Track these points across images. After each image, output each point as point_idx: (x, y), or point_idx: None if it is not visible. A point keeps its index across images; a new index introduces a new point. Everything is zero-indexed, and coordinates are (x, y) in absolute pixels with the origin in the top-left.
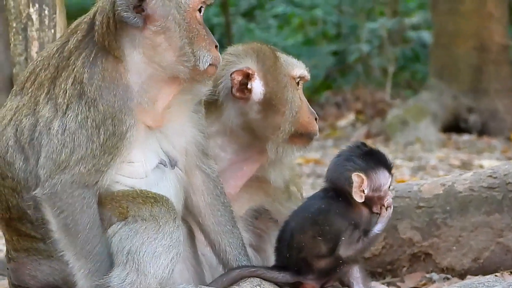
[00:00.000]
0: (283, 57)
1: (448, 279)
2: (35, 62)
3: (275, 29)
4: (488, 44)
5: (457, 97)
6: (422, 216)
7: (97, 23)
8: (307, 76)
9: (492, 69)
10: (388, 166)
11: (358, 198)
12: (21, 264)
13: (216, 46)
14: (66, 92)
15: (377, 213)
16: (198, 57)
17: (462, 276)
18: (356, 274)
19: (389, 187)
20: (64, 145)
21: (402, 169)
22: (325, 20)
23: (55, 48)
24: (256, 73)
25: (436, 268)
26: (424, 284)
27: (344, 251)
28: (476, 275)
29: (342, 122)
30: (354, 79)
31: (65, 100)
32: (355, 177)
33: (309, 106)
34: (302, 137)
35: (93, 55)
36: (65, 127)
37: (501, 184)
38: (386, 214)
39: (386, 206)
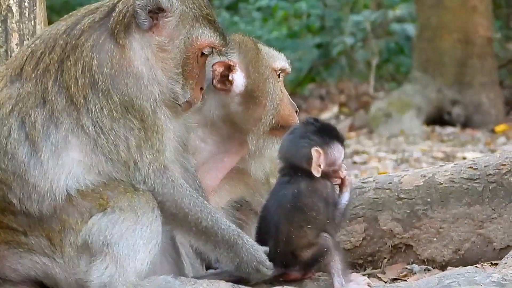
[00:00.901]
0: (265, 49)
1: (428, 270)
2: (32, 45)
3: (260, 22)
4: (472, 37)
5: (441, 90)
6: (403, 207)
7: (117, 10)
8: (288, 68)
9: (476, 62)
10: (341, 140)
11: (316, 173)
12: (2, 256)
13: (201, 89)
14: (78, 81)
15: (337, 185)
16: (182, 90)
17: (442, 267)
18: (336, 266)
19: (342, 160)
20: (115, 144)
21: (385, 161)
22: (309, 13)
23: (63, 28)
24: (237, 65)
25: (417, 259)
26: (405, 276)
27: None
28: (457, 266)
29: (326, 115)
30: (338, 72)
31: (80, 92)
32: (314, 152)
33: (290, 99)
34: (282, 129)
35: (103, 39)
36: (101, 126)
37: (481, 175)
38: (348, 183)
39: (343, 176)
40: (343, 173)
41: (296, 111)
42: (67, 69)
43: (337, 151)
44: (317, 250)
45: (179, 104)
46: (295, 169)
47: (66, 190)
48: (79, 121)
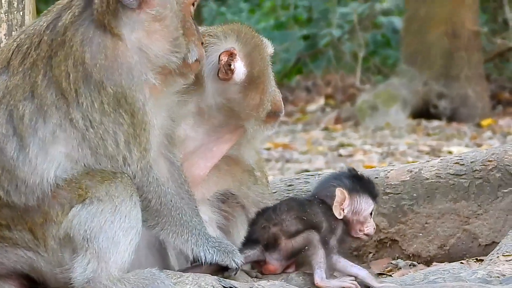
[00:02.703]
0: (263, 37)
1: (414, 265)
2: (17, 39)
3: (247, 13)
4: (459, 30)
5: (427, 83)
6: (389, 202)
7: (96, 1)
8: (272, 53)
9: (463, 55)
10: (372, 194)
11: (337, 213)
12: None
13: (202, 43)
14: (70, 75)
15: (356, 238)
16: (188, 50)
17: (428, 263)
18: (318, 259)
19: (371, 215)
20: (103, 138)
21: (371, 154)
22: (297, 4)
23: (45, 24)
24: (238, 54)
25: (402, 254)
26: (390, 271)
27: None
28: (442, 262)
29: (312, 107)
30: (325, 63)
31: (71, 85)
32: (338, 192)
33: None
34: (274, 115)
35: (91, 32)
36: (91, 120)
37: (468, 171)
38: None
39: (366, 233)
40: (368, 229)
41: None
42: (56, 64)
43: (365, 203)
44: (300, 242)
45: (189, 67)
46: (321, 200)
47: (55, 183)
48: (68, 115)
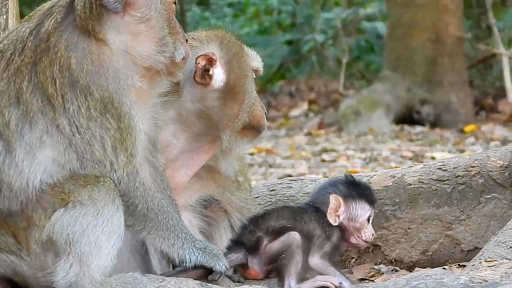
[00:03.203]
0: (248, 49)
1: (396, 271)
2: (0, 45)
3: (230, 18)
4: (443, 36)
5: (411, 89)
6: None
7: (78, 7)
8: (261, 71)
9: (447, 61)
10: (370, 200)
11: (332, 220)
12: None
13: (186, 40)
14: (56, 81)
15: (354, 244)
16: (175, 49)
17: (410, 268)
18: (291, 268)
19: (369, 221)
20: (90, 144)
21: (354, 160)
22: (280, 9)
23: (27, 30)
24: (218, 60)
25: (384, 260)
26: (372, 276)
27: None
28: (425, 267)
29: (295, 112)
30: (308, 69)
31: (58, 91)
32: (333, 198)
33: (260, 101)
34: (253, 129)
35: (76, 38)
36: (77, 125)
37: (450, 176)
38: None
39: (364, 240)
40: (366, 236)
41: (265, 113)
42: (41, 70)
43: (361, 209)
44: (279, 245)
45: (177, 65)
46: (317, 210)
47: (40, 187)
48: (54, 121)
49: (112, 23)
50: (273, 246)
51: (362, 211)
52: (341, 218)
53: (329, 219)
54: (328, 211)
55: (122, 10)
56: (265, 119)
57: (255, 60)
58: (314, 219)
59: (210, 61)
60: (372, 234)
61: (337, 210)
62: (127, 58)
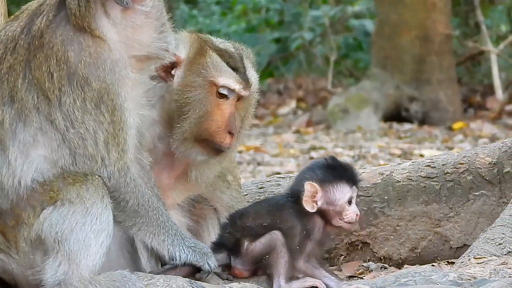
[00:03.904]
0: (217, 61)
1: (385, 268)
2: None
3: (218, 16)
4: (431, 34)
5: (399, 86)
6: (360, 205)
7: (71, 6)
8: (239, 91)
9: (435, 59)
10: (350, 181)
11: (309, 208)
12: None
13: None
14: (53, 75)
15: (338, 227)
16: (172, 39)
17: (399, 265)
18: (278, 268)
19: (349, 202)
20: (83, 138)
21: (342, 157)
22: (268, 7)
23: (18, 29)
24: (182, 62)
25: (373, 257)
26: (361, 273)
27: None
28: (413, 264)
29: (284, 110)
30: (296, 67)
31: (55, 84)
32: (308, 186)
33: (231, 121)
34: (207, 144)
35: (71, 33)
36: (72, 119)
37: (439, 173)
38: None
39: (346, 221)
40: (348, 217)
41: (232, 134)
42: (36, 67)
43: (339, 192)
44: (261, 247)
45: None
46: (295, 197)
47: (31, 186)
48: (49, 117)
49: (110, 19)
50: (255, 247)
51: (341, 194)
52: (319, 203)
53: (306, 207)
54: (304, 199)
55: (131, 4)
56: (226, 138)
57: (224, 78)
58: (293, 214)
59: (175, 62)
60: (357, 215)
61: (314, 196)
62: (124, 51)
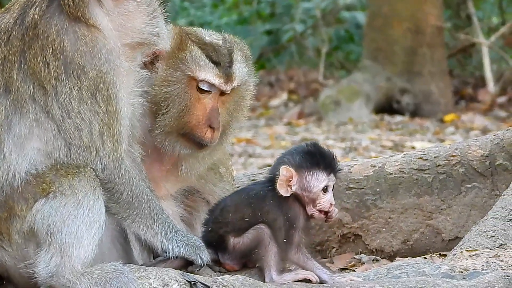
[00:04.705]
0: (197, 55)
1: (377, 260)
2: None
3: (210, 8)
4: (423, 26)
5: (390, 78)
6: (352, 197)
7: None
8: (219, 85)
9: (427, 51)
10: (327, 169)
11: (283, 191)
12: None
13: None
14: (49, 65)
15: (311, 216)
16: (163, 25)
17: (391, 257)
18: (268, 260)
19: (325, 190)
20: (79, 129)
21: (334, 149)
22: None
23: (11, 21)
24: (163, 55)
25: (365, 249)
26: (353, 265)
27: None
28: (405, 257)
29: (275, 102)
30: (288, 58)
31: (52, 73)
32: (283, 170)
33: (212, 115)
34: (189, 139)
35: (66, 23)
36: (68, 109)
37: (431, 166)
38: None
39: (319, 209)
40: (320, 205)
41: (213, 129)
42: (31, 57)
43: (315, 179)
44: (248, 241)
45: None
46: (272, 180)
47: (26, 178)
48: (45, 107)
49: (103, 8)
50: (242, 242)
51: (316, 181)
52: (293, 188)
53: (279, 190)
54: (278, 182)
55: None
56: (207, 133)
57: (203, 72)
58: (274, 205)
59: (157, 56)
60: (331, 204)
61: (290, 181)
62: (118, 39)
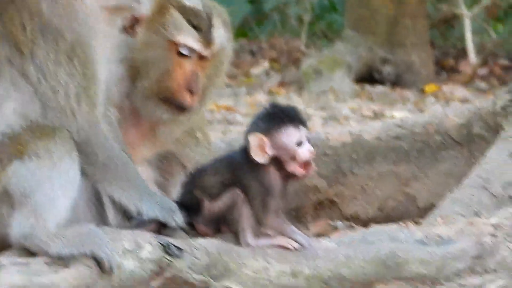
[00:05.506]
0: (177, 19)
1: (352, 227)
2: None
3: None
4: None
5: (372, 48)
6: (329, 164)
7: None
8: (200, 50)
9: (409, 22)
10: (294, 123)
11: (260, 159)
12: None
13: None
14: (26, 28)
15: (298, 173)
16: None
17: (366, 225)
18: (243, 223)
19: (299, 144)
20: (54, 91)
21: (314, 118)
22: None
23: None
24: (143, 20)
25: (341, 216)
26: (328, 232)
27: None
28: (381, 224)
29: (256, 70)
30: (270, 27)
31: (28, 37)
32: (251, 139)
33: (192, 80)
34: (169, 103)
35: None
36: (44, 72)
37: (408, 134)
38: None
39: (301, 161)
40: (299, 157)
41: (192, 93)
42: (8, 19)
43: (286, 136)
44: (222, 205)
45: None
46: (245, 151)
47: (1, 139)
48: (21, 70)
49: None
50: (215, 206)
51: (288, 137)
52: (270, 153)
53: (256, 159)
54: (252, 151)
55: None
56: (186, 97)
57: (185, 36)
58: (249, 172)
59: (137, 20)
60: (310, 152)
61: (263, 147)
62: (96, 2)
